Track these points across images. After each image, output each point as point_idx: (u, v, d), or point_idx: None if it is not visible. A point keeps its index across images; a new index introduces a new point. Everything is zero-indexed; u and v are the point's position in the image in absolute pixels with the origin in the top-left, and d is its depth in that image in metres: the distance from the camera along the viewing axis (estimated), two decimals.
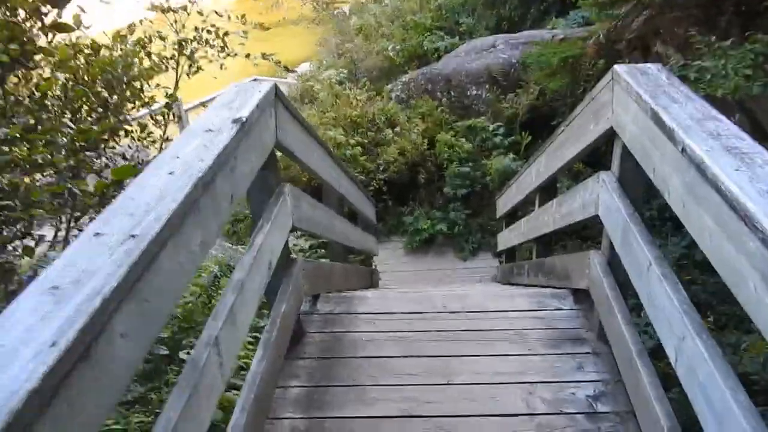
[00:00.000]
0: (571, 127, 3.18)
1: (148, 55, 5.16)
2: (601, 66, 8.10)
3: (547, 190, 4.26)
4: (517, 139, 8.58)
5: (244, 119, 2.08)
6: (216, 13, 6.23)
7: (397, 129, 8.81)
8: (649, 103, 2.03)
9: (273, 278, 2.54)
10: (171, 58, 5.65)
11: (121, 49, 4.76)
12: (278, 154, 2.70)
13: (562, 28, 10.25)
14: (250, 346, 3.01)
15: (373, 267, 6.67)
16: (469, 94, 9.53)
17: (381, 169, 8.61)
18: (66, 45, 4.21)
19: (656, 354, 2.30)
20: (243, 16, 6.43)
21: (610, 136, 2.59)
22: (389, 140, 8.71)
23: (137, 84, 4.62)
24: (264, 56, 6.26)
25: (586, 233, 6.26)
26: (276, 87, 2.50)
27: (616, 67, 2.44)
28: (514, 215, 5.94)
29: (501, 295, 3.32)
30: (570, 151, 3.21)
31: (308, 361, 2.80)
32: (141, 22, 5.75)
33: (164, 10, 5.81)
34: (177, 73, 5.81)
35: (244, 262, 2.15)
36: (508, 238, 5.95)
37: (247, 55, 5.78)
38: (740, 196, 1.41)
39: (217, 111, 2.19)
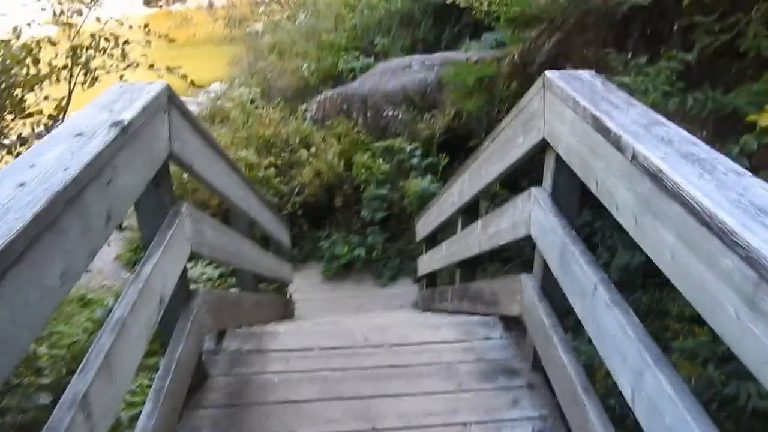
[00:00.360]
0: (498, 141, 2.99)
1: (35, 62, 4.63)
2: (514, 88, 8.19)
3: (471, 211, 4.08)
4: (434, 160, 8.47)
5: (126, 123, 1.72)
6: (116, 20, 5.74)
7: (313, 150, 8.49)
8: (588, 110, 1.85)
9: (167, 314, 2.17)
10: (63, 68, 5.13)
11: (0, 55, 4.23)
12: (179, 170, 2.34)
13: (476, 51, 10.34)
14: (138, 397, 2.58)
15: (288, 296, 6.29)
16: (385, 114, 9.37)
17: (296, 191, 8.25)
18: None
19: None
20: (146, 25, 5.97)
21: (541, 148, 2.40)
22: (304, 161, 8.38)
23: (17, 92, 4.11)
24: (169, 69, 5.82)
25: (507, 254, 6.15)
26: (169, 89, 2.15)
27: (547, 73, 2.26)
28: (434, 239, 5.75)
29: (425, 325, 3.06)
30: (496, 167, 3.02)
31: (211, 410, 2.41)
32: (29, 25, 5.20)
33: (55, 14, 5.28)
34: (70, 84, 5.29)
35: (127, 297, 1.78)
36: (428, 263, 5.75)
37: (151, 66, 5.34)
38: (711, 206, 1.21)
39: (94, 112, 1.82)
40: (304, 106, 10.14)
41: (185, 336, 2.30)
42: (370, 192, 7.98)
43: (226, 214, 8.58)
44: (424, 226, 5.83)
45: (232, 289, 5.29)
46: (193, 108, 13.89)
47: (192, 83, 6.05)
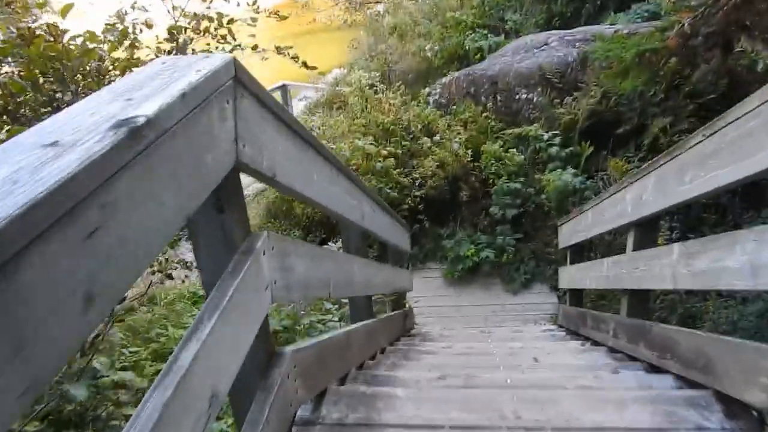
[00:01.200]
0: (724, 137, 2.00)
1: (133, 45, 4.13)
2: (673, 65, 6.86)
3: (651, 227, 3.08)
4: (576, 150, 7.35)
5: (142, 122, 0.95)
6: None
7: (436, 138, 7.65)
8: None
9: (237, 393, 1.45)
10: (164, 52, 4.64)
11: (99, 39, 3.76)
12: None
13: (625, 24, 8.99)
14: None
15: (407, 307, 5.53)
16: (518, 97, 8.33)
17: (417, 184, 7.48)
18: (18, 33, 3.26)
19: None
20: (255, 2, 5.36)
21: None
22: (426, 151, 7.57)
23: (106, 77, 3.61)
24: (279, 51, 5.21)
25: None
26: (236, 64, 1.39)
27: None
28: (583, 249, 4.76)
29: (604, 399, 2.14)
30: (721, 174, 2.03)
31: None
32: (133, 7, 4.75)
33: None
34: None
35: (154, 398, 1.05)
36: (577, 278, 4.75)
37: (254, 47, 4.74)
38: None
39: (98, 104, 1.07)
40: (426, 90, 9.32)
41: (263, 421, 1.57)
42: (500, 186, 7.03)
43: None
44: (572, 232, 4.82)
45: (329, 333, 4.48)
46: (311, 94, 13.55)
47: (305, 65, 5.39)
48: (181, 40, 4.42)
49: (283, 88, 13.56)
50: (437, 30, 11.04)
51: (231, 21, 4.82)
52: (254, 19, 4.84)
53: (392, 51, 11.84)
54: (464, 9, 11.45)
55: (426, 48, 10.69)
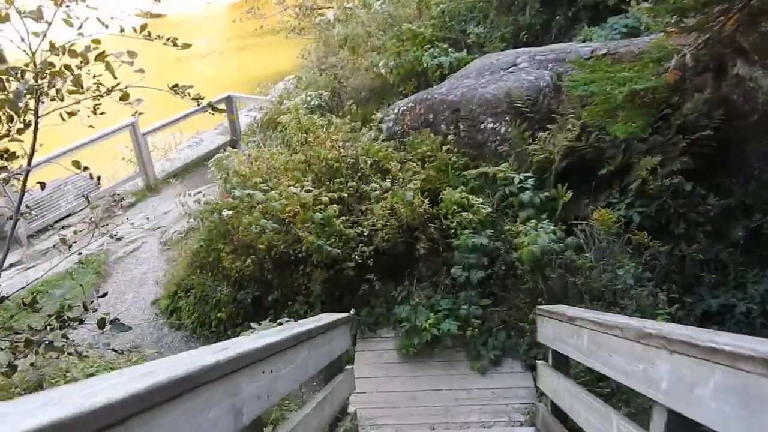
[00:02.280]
0: None
1: None
2: (677, 103, 5.83)
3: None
4: (552, 194, 6.24)
5: None
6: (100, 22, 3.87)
7: (386, 183, 6.44)
8: None
9: None
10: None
11: None
12: None
13: (602, 42, 7.95)
14: None
15: (348, 412, 4.31)
16: (483, 127, 7.20)
17: (365, 237, 6.27)
18: None
19: None
20: (144, 27, 4.01)
21: None
22: (377, 195, 6.37)
23: None
24: (176, 91, 3.96)
25: None
26: None
27: None
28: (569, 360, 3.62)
29: None
30: None
31: None
32: None
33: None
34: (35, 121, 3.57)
35: None
36: (563, 397, 3.61)
37: (123, 98, 3.47)
38: None
39: None
40: (379, 115, 8.10)
41: None
42: (464, 241, 5.87)
43: (277, 262, 6.85)
44: (557, 338, 3.67)
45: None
46: (253, 114, 12.24)
47: (210, 107, 4.19)
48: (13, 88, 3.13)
49: (228, 100, 12.25)
50: (392, 43, 9.83)
51: (102, 55, 3.56)
52: (132, 54, 3.54)
53: (343, 65, 10.61)
54: (422, 19, 10.28)
55: (380, 64, 9.47)
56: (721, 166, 6.17)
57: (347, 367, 4.32)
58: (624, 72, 4.88)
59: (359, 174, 6.98)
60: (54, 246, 11.35)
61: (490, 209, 5.99)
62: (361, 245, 6.22)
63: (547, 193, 6.19)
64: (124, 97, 3.47)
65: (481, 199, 6.03)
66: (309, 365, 3.03)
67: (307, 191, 6.13)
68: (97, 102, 3.60)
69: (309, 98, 9.10)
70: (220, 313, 6.94)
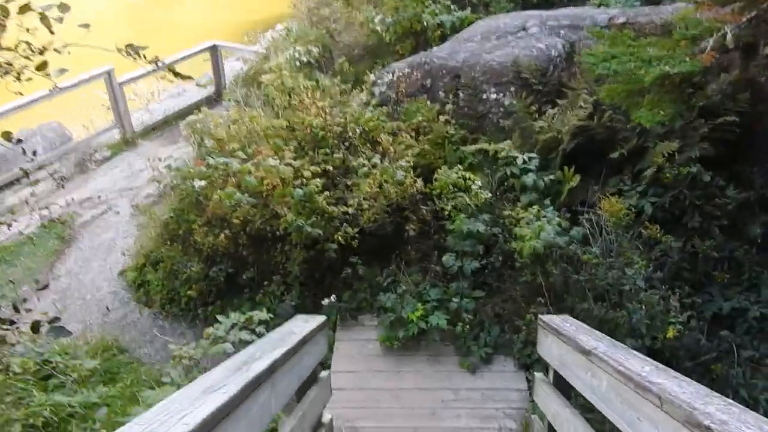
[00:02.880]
0: None
1: None
2: (700, 82, 5.22)
3: None
4: (557, 177, 5.68)
5: None
6: None
7: (375, 160, 5.82)
8: None
9: None
10: None
11: None
12: None
13: (619, 6, 7.27)
14: None
15: (323, 423, 3.83)
16: (485, 97, 6.57)
17: (350, 215, 5.70)
18: None
19: None
20: None
21: None
22: (366, 170, 5.77)
23: None
24: (129, 50, 3.34)
25: None
26: None
27: None
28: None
29: None
30: None
31: None
32: None
33: None
34: None
35: None
36: (562, 421, 3.13)
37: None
38: None
39: None
40: (372, 78, 7.42)
41: None
42: (458, 225, 5.32)
43: (254, 237, 6.26)
44: (562, 361, 3.17)
45: None
46: (238, 65, 11.48)
47: (174, 73, 3.59)
48: None
49: (213, 49, 11.44)
50: None
51: (26, 7, 2.92)
52: (64, 7, 2.88)
53: (336, 18, 9.83)
54: None
55: (376, 20, 8.72)
56: (742, 155, 5.61)
57: (322, 374, 3.82)
58: (651, 49, 4.25)
59: (347, 144, 6.37)
60: (26, 201, 10.76)
61: (489, 194, 5.41)
62: (345, 225, 5.66)
63: (551, 176, 5.62)
64: (41, 67, 2.83)
65: (479, 182, 5.45)
66: (272, 404, 2.51)
67: (287, 164, 5.51)
68: (30, 62, 2.97)
69: (297, 54, 8.38)
70: (190, 290, 6.41)
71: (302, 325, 3.48)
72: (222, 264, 6.37)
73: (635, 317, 4.48)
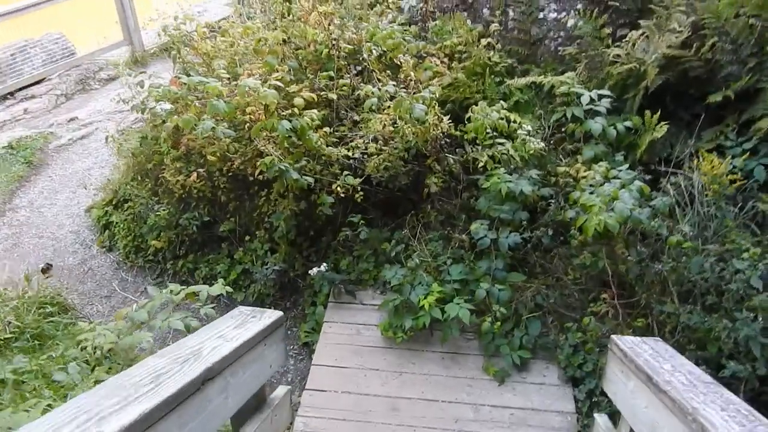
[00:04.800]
0: None
1: None
2: None
3: None
4: (635, 124, 4.20)
5: None
6: None
7: (387, 88, 4.32)
8: None
9: None
10: None
11: None
12: None
13: None
14: None
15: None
16: (543, 17, 5.03)
17: (354, 159, 4.35)
18: None
19: None
20: None
21: None
22: (373, 104, 4.33)
23: None
24: None
25: None
26: None
27: None
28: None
29: None
30: None
31: None
32: None
33: None
34: None
35: None
36: None
37: None
38: None
39: None
40: None
41: None
42: (496, 182, 3.91)
43: (234, 177, 4.95)
44: (648, 415, 1.85)
45: None
46: None
47: None
48: None
49: None
50: None
51: None
52: None
53: None
54: None
55: None
56: None
57: (274, 394, 2.57)
58: None
59: (360, 69, 4.95)
60: (13, 119, 9.67)
61: (542, 143, 3.98)
62: (346, 173, 4.32)
63: (628, 123, 4.13)
64: None
65: (530, 125, 4.01)
66: None
67: (275, 87, 4.13)
68: None
69: None
70: (155, 240, 5.21)
71: (235, 331, 2.25)
72: (198, 209, 5.13)
73: (744, 331, 3.08)
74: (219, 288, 3.31)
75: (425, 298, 3.86)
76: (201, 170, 4.88)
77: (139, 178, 5.51)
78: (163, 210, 5.15)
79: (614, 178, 3.75)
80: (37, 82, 10.73)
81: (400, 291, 4.01)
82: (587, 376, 3.70)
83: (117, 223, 5.60)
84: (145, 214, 5.25)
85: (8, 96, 10.33)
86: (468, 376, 3.86)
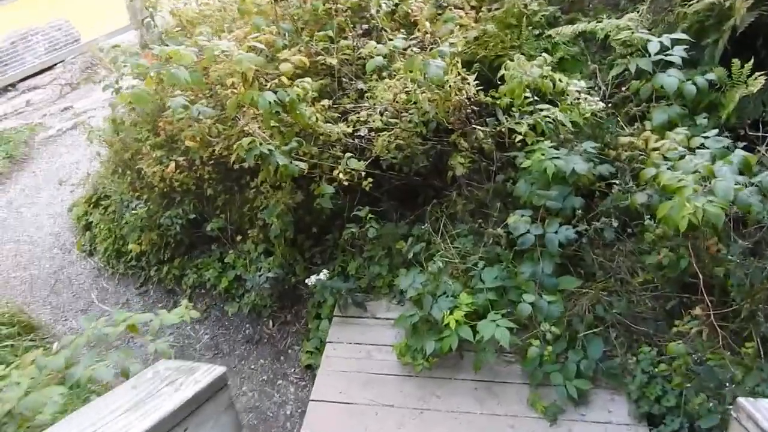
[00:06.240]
0: None
1: None
2: None
3: None
4: (718, 78, 3.21)
5: None
6: None
7: (397, 41, 3.41)
8: None
9: None
10: None
11: None
12: None
13: None
14: None
15: None
16: None
17: (361, 139, 3.48)
18: None
19: None
20: None
21: None
22: (377, 64, 3.42)
23: None
24: None
25: None
26: None
27: None
28: None
29: None
30: None
31: None
32: None
33: None
34: None
35: None
36: None
37: None
38: None
39: None
40: None
41: None
42: (540, 160, 2.99)
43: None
44: None
45: None
46: None
47: None
48: None
49: None
50: None
51: None
52: None
53: None
54: None
55: None
56: None
57: None
58: None
59: (366, 28, 4.06)
60: (14, 111, 9.11)
61: (600, 102, 3.03)
62: (349, 155, 3.45)
63: (711, 76, 3.14)
64: None
65: (583, 82, 3.07)
66: None
67: (256, 50, 3.28)
68: None
69: None
70: (137, 242, 4.45)
71: (125, 420, 1.38)
72: (183, 205, 4.35)
73: None
74: (176, 316, 2.50)
75: (451, 313, 2.99)
76: (181, 159, 4.09)
77: (120, 171, 4.75)
78: (141, 207, 4.38)
79: (699, 147, 2.79)
80: (41, 72, 10.18)
81: (419, 304, 3.14)
82: (668, 413, 2.78)
83: (97, 223, 4.87)
84: (121, 212, 4.50)
85: (9, 87, 9.78)
86: (509, 412, 2.98)
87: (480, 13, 3.96)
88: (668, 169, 2.64)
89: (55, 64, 10.20)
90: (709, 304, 2.61)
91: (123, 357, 2.35)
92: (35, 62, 10.03)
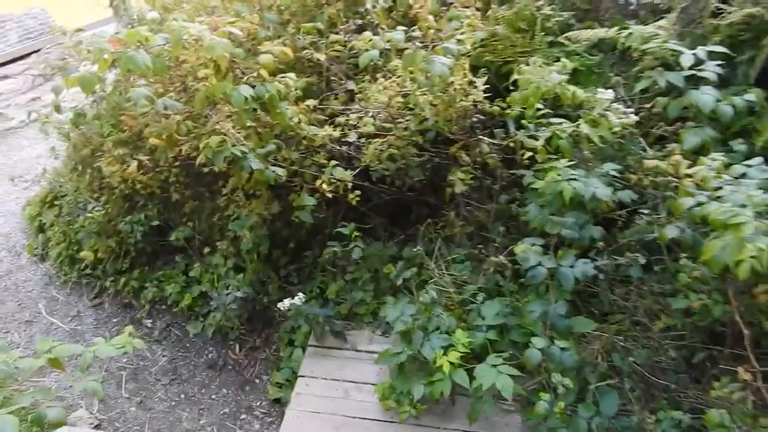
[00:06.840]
0: None
1: None
2: None
3: None
4: (757, 100, 2.83)
5: None
6: None
7: (395, 35, 3.01)
8: None
9: None
10: None
11: None
12: None
13: None
14: None
15: None
16: None
17: (349, 146, 3.07)
18: None
19: None
20: None
21: None
22: (369, 57, 3.00)
23: None
24: None
25: None
26: None
27: None
28: None
29: None
30: None
31: None
32: None
33: None
34: None
35: None
36: None
37: None
38: None
39: None
40: None
41: None
42: (552, 183, 2.59)
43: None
44: None
45: None
46: None
47: None
48: None
49: None
50: None
51: None
52: None
53: None
54: None
55: None
56: None
57: None
58: None
59: (361, 23, 3.65)
60: None
61: (632, 114, 2.65)
62: (335, 162, 3.03)
63: (750, 96, 2.76)
64: None
65: (611, 91, 2.68)
66: None
67: (230, 38, 2.85)
68: None
69: None
70: (91, 249, 3.98)
71: None
72: (146, 209, 3.89)
73: None
74: (115, 347, 2.05)
75: (445, 353, 2.56)
76: (145, 158, 3.63)
77: (79, 169, 4.27)
78: (98, 210, 3.91)
79: (741, 177, 2.41)
80: (13, 61, 9.64)
81: (407, 339, 2.71)
82: None
83: (50, 225, 4.38)
84: (75, 214, 4.03)
85: None
86: None
87: (487, 14, 3.56)
88: (712, 200, 2.25)
89: (30, 54, 9.67)
90: (756, 363, 2.21)
91: (41, 397, 1.89)
92: (6, 50, 9.49)
